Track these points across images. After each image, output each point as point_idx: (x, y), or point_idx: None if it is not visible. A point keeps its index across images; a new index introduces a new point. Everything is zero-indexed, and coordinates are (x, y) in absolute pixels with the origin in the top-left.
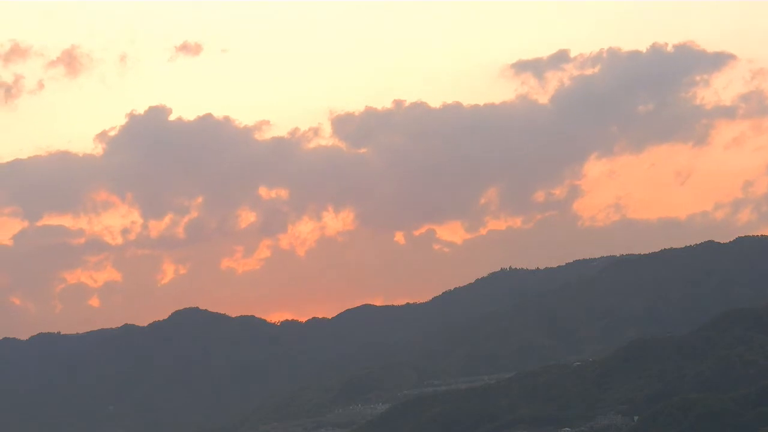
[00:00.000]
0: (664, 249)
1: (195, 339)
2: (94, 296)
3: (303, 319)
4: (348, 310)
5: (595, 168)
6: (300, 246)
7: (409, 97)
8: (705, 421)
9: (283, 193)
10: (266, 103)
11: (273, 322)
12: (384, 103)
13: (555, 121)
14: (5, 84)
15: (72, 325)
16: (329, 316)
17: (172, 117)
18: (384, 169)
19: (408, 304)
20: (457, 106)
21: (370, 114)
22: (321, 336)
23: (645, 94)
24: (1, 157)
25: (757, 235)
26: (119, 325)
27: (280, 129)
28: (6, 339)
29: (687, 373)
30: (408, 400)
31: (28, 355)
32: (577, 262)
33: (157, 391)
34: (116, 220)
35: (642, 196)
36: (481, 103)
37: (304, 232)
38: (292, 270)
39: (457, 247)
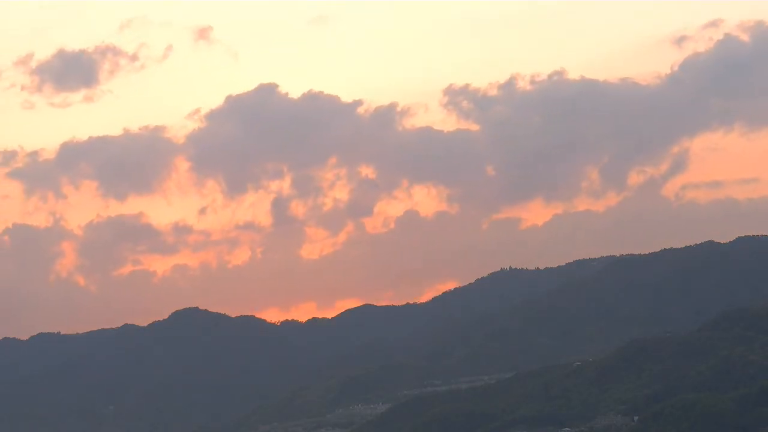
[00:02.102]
0: (664, 249)
1: (195, 339)
2: (162, 280)
3: (303, 319)
4: (348, 310)
5: (701, 146)
6: (383, 227)
7: (521, 73)
8: (705, 421)
9: (375, 171)
10: (381, 81)
11: (273, 322)
12: (492, 79)
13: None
14: (117, 57)
15: (72, 325)
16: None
17: (276, 94)
18: (483, 147)
19: (408, 304)
20: (568, 82)
21: (475, 91)
22: (321, 336)
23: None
24: (93, 133)
25: (757, 235)
26: (119, 325)
27: (386, 105)
28: (6, 339)
29: (687, 373)
30: (408, 400)
31: (28, 355)
32: (576, 262)
33: (157, 391)
34: (198, 201)
35: (746, 176)
36: (594, 78)
37: (392, 211)
38: (375, 252)
39: (547, 227)
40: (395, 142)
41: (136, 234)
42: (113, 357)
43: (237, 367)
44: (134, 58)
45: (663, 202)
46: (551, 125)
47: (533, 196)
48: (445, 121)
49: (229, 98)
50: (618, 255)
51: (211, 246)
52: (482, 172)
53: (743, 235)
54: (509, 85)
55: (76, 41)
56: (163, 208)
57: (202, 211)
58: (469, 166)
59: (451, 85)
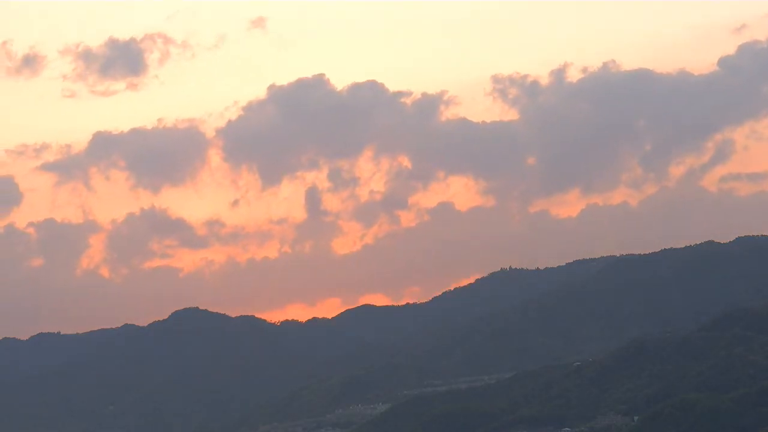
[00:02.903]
0: (664, 249)
1: (195, 339)
2: (188, 275)
3: (303, 319)
4: (348, 310)
5: (745, 136)
6: (417, 220)
7: (573, 63)
8: (705, 421)
9: (412, 162)
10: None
11: (273, 322)
12: (542, 68)
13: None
14: (167, 45)
15: (72, 325)
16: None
17: (320, 85)
18: (525, 138)
19: (408, 304)
20: (620, 72)
21: (524, 80)
22: (321, 336)
23: None
24: (133, 123)
25: (757, 235)
26: (119, 325)
27: (431, 95)
28: (6, 339)
29: (687, 373)
30: (408, 400)
31: (28, 355)
32: (576, 262)
33: (157, 391)
34: (231, 194)
35: None
36: (646, 67)
37: (427, 203)
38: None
39: (581, 219)
40: (435, 132)
41: (166, 227)
42: (113, 357)
43: (237, 367)
44: (185, 46)
45: (702, 194)
46: (597, 116)
47: (570, 188)
48: (490, 111)
49: (271, 88)
50: (618, 255)
51: (241, 240)
52: (522, 163)
53: (743, 235)
54: (559, 75)
55: (126, 29)
56: (195, 201)
57: (235, 203)
58: (509, 156)
59: (499, 74)
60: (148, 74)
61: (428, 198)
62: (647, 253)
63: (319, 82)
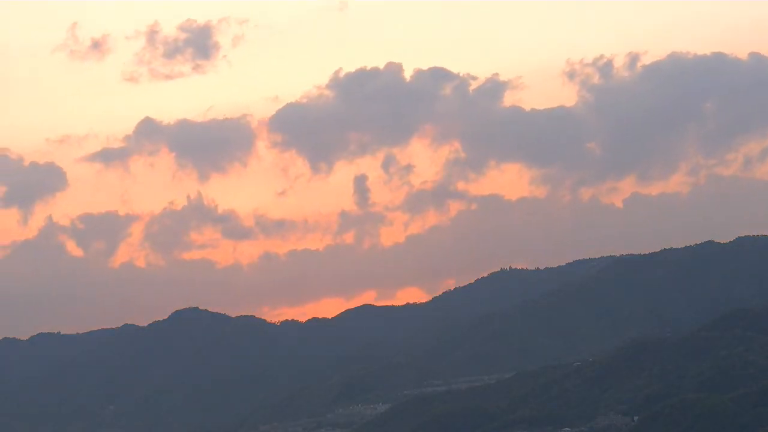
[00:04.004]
0: (664, 249)
1: (195, 339)
2: (226, 268)
3: (303, 319)
4: (348, 310)
5: None
6: (466, 209)
7: (644, 49)
8: (705, 421)
9: (466, 150)
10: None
11: (273, 322)
12: (613, 55)
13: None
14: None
15: (72, 325)
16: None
17: (387, 71)
18: (586, 125)
19: (408, 304)
20: (694, 57)
21: (593, 67)
22: (321, 336)
23: None
24: (184, 111)
25: (757, 235)
26: (119, 325)
27: (498, 81)
28: (6, 339)
29: (687, 373)
30: (408, 400)
31: (28, 355)
32: (576, 262)
33: (157, 391)
34: (278, 183)
35: None
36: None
37: (478, 191)
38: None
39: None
40: (494, 118)
41: (210, 217)
42: (113, 357)
43: (237, 367)
44: (256, 29)
45: (755, 185)
46: (663, 102)
47: (625, 175)
48: (556, 96)
49: (338, 72)
50: (618, 255)
51: (285, 231)
52: (580, 150)
53: (743, 235)
54: (630, 61)
55: (197, 12)
56: (241, 190)
57: (282, 193)
58: (568, 143)
59: (569, 58)
60: (215, 58)
61: (480, 187)
62: (647, 253)
63: (390, 68)
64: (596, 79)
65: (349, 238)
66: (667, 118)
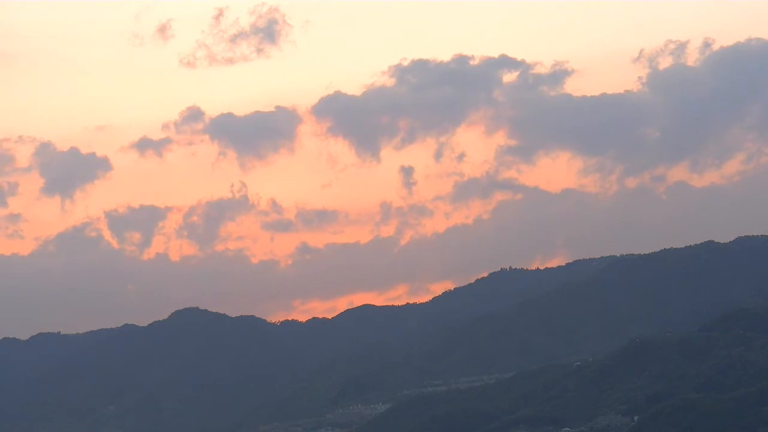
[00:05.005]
0: (664, 249)
1: (195, 339)
2: (262, 262)
3: (303, 319)
4: (348, 310)
5: None
6: (511, 200)
7: (713, 37)
8: (705, 421)
9: (517, 139)
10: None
11: (273, 322)
12: (681, 43)
13: None
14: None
15: (72, 325)
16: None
17: (450, 61)
18: (647, 113)
19: (408, 304)
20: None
21: (658, 55)
22: (321, 336)
23: None
24: (231, 102)
25: (757, 235)
26: (119, 325)
27: (558, 69)
28: (6, 339)
29: (687, 373)
30: (408, 400)
31: (28, 355)
32: (577, 262)
33: (157, 391)
34: (322, 175)
35: None
36: None
37: (527, 181)
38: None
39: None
40: (549, 106)
41: (249, 209)
42: (113, 357)
43: (237, 367)
44: (326, 13)
45: None
46: (725, 93)
47: (678, 162)
48: (620, 83)
49: (402, 62)
50: (618, 255)
51: (326, 222)
52: (634, 136)
53: (743, 235)
54: (700, 49)
55: None
56: (283, 180)
57: (326, 185)
58: (623, 130)
59: (635, 46)
60: (279, 43)
61: (527, 177)
62: (647, 253)
63: (453, 57)
64: (664, 64)
65: (389, 230)
66: (731, 105)
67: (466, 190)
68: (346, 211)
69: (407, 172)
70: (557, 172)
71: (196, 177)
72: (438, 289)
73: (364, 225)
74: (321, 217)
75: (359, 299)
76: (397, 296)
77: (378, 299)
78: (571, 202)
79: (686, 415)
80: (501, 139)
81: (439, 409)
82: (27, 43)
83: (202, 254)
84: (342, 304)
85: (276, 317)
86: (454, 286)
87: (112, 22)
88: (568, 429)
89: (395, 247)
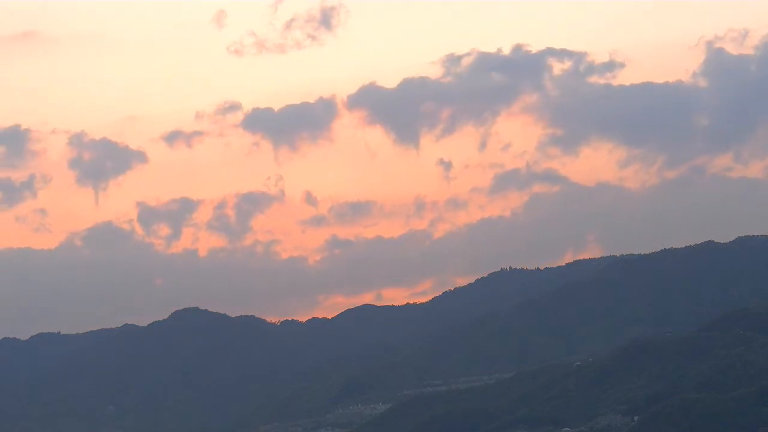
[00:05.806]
0: (664, 249)
1: (195, 339)
2: (289, 259)
3: (303, 319)
4: (348, 310)
5: None
6: (549, 192)
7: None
8: (705, 421)
9: (560, 130)
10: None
11: (273, 322)
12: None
13: None
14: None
15: (72, 325)
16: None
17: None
18: (698, 105)
19: (408, 304)
20: None
21: (716, 46)
22: (321, 336)
23: None
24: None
25: (757, 235)
26: (119, 325)
27: (611, 60)
28: (6, 339)
29: (687, 373)
30: (408, 400)
31: (28, 355)
32: (577, 262)
33: (157, 391)
34: (359, 169)
35: None
36: None
37: (566, 172)
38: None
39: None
40: (596, 96)
41: (282, 201)
42: (113, 357)
43: (237, 367)
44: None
45: None
46: None
47: (724, 153)
48: (674, 72)
49: (450, 56)
50: (618, 255)
51: (360, 216)
52: (681, 125)
53: (743, 235)
54: (763, 38)
55: None
56: (318, 176)
57: (361, 177)
58: (670, 119)
59: (700, 38)
60: (329, 32)
61: (568, 168)
62: (647, 253)
63: (515, 49)
64: (719, 54)
65: (423, 223)
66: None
67: (504, 182)
68: (382, 203)
69: (446, 165)
70: (597, 162)
71: (230, 168)
72: (463, 282)
73: (398, 218)
74: (355, 210)
75: (385, 295)
76: (422, 291)
77: (403, 294)
78: (606, 196)
79: (686, 415)
80: (544, 128)
81: (438, 409)
82: (70, 25)
83: (231, 247)
84: (366, 299)
85: (303, 315)
86: (454, 286)
87: (166, 4)
88: (568, 429)
89: (427, 240)
